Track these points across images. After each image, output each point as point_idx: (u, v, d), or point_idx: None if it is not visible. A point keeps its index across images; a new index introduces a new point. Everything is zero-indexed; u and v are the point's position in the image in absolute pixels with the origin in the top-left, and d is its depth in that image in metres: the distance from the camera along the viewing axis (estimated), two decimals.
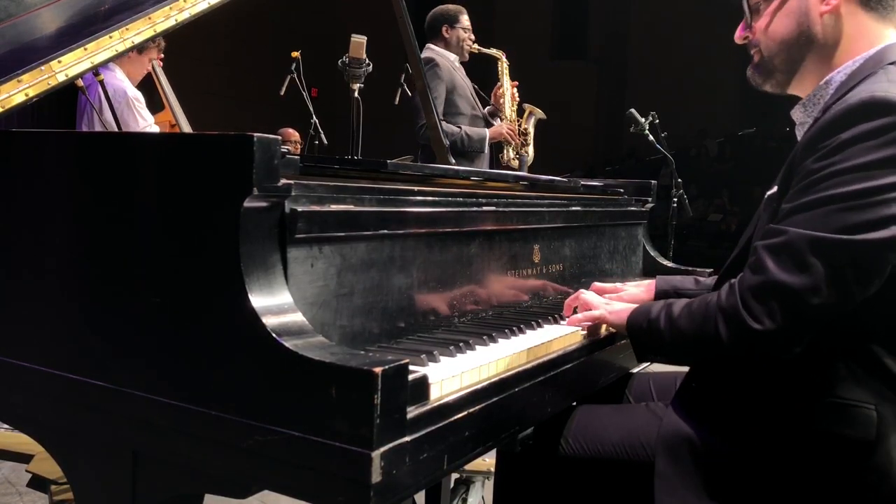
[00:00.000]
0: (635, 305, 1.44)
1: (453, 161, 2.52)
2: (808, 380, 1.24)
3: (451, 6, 4.39)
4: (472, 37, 4.37)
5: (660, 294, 1.73)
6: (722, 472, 1.29)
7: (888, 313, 1.21)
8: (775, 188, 1.31)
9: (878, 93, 1.17)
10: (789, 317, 1.16)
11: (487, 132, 4.29)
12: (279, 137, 1.06)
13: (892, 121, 1.14)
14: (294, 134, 6.44)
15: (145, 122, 3.51)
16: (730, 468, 1.29)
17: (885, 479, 1.22)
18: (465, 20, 4.33)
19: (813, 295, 1.14)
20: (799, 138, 1.36)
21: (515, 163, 4.52)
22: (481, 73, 4.71)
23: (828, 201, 1.15)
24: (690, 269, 2.25)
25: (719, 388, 1.35)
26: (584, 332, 1.55)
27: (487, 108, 4.50)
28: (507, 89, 4.50)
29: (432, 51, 4.25)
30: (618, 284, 1.83)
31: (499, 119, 4.49)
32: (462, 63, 4.39)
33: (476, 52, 4.45)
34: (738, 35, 1.45)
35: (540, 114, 4.65)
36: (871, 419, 1.21)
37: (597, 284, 1.81)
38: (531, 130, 4.61)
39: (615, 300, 1.64)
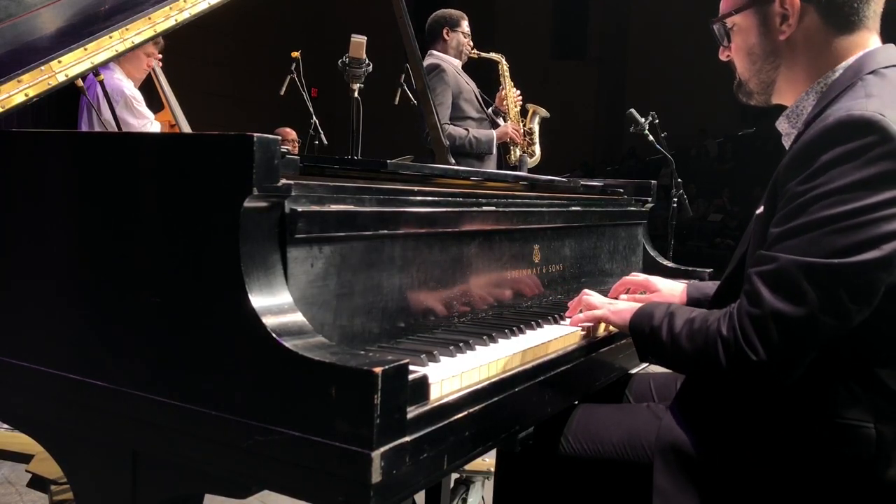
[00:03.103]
0: (638, 305, 1.44)
1: (453, 161, 2.52)
2: (805, 399, 1.24)
3: (453, 10, 4.42)
4: (471, 42, 4.40)
5: (691, 303, 1.71)
6: (720, 489, 1.29)
7: (884, 331, 1.20)
8: (762, 208, 1.31)
9: (854, 111, 1.16)
10: (788, 346, 1.15)
11: (494, 133, 4.31)
12: (279, 137, 1.06)
13: (871, 140, 1.13)
14: (291, 133, 6.44)
15: (145, 119, 3.50)
16: (728, 486, 1.29)
17: (885, 497, 1.22)
18: (465, 25, 4.36)
19: (810, 321, 1.14)
20: (787, 147, 1.36)
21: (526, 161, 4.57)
22: (480, 76, 4.71)
23: (815, 225, 1.14)
24: (690, 268, 2.25)
25: (717, 402, 1.34)
26: (584, 332, 1.55)
27: (491, 108, 4.52)
28: (510, 91, 4.53)
29: (436, 56, 4.26)
30: (650, 278, 1.82)
31: (503, 119, 4.52)
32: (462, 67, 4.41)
33: (476, 56, 4.47)
34: (722, 55, 1.47)
35: (543, 113, 4.69)
36: (870, 437, 1.20)
37: (628, 279, 1.82)
38: (536, 130, 4.64)
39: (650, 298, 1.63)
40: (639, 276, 1.85)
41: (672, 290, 1.78)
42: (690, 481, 1.30)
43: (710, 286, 1.79)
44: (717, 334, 1.21)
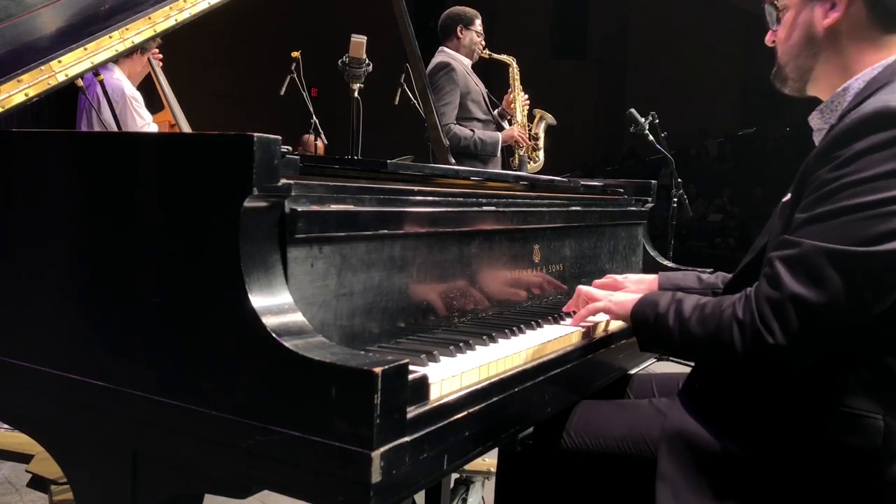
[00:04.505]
0: (639, 296, 1.43)
1: (453, 161, 2.52)
2: (816, 388, 1.24)
3: (467, 8, 4.39)
4: (484, 42, 4.38)
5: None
6: (726, 475, 1.29)
7: None
8: (789, 195, 1.30)
9: (892, 103, 1.16)
10: (806, 330, 1.15)
11: (500, 136, 4.29)
12: (279, 137, 1.06)
13: None
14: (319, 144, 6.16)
15: (143, 120, 3.50)
16: (734, 472, 1.28)
17: (891, 489, 1.22)
18: (479, 24, 4.34)
19: (830, 308, 1.13)
20: (816, 143, 1.35)
21: (528, 166, 4.56)
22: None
23: (842, 213, 1.14)
24: (690, 269, 2.25)
25: (725, 389, 1.34)
26: (584, 331, 1.55)
27: (497, 109, 4.51)
28: (519, 95, 4.51)
29: (447, 54, 4.23)
30: (617, 277, 1.80)
31: (508, 122, 4.50)
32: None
33: (487, 56, 4.45)
34: (768, 39, 1.46)
35: (550, 119, 4.68)
36: (878, 429, 1.20)
37: (597, 282, 1.80)
38: (542, 135, 4.63)
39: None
40: (606, 280, 1.82)
41: (640, 280, 1.79)
42: (696, 467, 1.29)
43: (681, 276, 1.80)
44: (733, 317, 1.21)
